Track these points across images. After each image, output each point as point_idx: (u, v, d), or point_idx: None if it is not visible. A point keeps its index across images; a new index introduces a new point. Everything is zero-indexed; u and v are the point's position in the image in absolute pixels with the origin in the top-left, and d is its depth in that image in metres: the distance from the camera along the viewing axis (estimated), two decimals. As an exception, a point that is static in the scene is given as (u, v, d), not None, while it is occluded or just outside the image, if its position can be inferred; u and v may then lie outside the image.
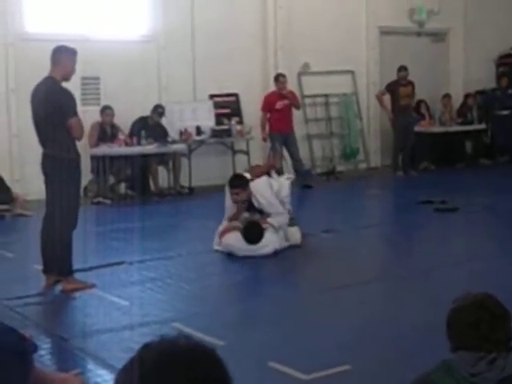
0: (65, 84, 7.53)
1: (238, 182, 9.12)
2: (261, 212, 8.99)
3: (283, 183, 9.39)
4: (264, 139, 14.33)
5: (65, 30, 12.87)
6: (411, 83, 15.88)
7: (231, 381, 1.77)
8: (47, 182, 7.49)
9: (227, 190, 9.15)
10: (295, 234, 9.13)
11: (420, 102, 16.72)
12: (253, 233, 8.74)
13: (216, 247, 9.03)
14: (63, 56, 7.50)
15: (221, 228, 9.07)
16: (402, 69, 15.79)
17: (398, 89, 15.77)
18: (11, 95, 12.79)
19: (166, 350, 1.76)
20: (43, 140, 7.46)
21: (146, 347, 1.78)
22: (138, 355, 1.77)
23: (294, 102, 14.41)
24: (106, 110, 13.37)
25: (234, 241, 8.79)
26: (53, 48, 7.60)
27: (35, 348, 4.76)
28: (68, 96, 7.41)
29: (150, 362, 1.73)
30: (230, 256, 8.80)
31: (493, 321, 3.03)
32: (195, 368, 1.73)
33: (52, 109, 7.26)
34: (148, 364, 1.73)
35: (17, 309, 6.86)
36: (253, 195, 8.97)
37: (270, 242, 8.76)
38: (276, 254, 8.76)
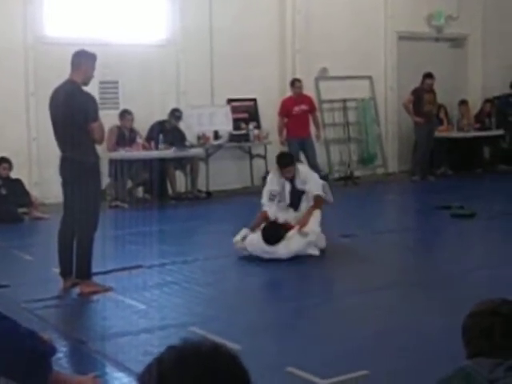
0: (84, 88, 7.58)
1: (290, 160, 9.53)
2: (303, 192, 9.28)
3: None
4: (282, 143, 14.33)
5: (84, 34, 12.90)
6: (433, 91, 15.87)
7: None
8: (66, 186, 7.51)
9: (274, 174, 9.41)
10: (322, 239, 9.10)
11: (439, 107, 16.66)
12: (271, 233, 8.81)
13: (238, 245, 8.97)
14: (84, 60, 7.53)
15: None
16: (429, 76, 15.76)
17: (422, 95, 15.75)
18: (30, 98, 12.84)
19: (189, 351, 1.77)
20: (62, 143, 7.48)
21: (169, 348, 1.79)
22: (160, 355, 1.78)
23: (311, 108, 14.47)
24: (126, 115, 13.35)
25: (257, 241, 8.82)
26: (74, 52, 7.64)
27: (54, 350, 4.83)
28: (91, 100, 7.45)
29: (171, 362, 1.74)
30: (247, 261, 8.81)
31: (508, 327, 2.98)
32: (217, 368, 1.73)
33: (74, 112, 7.28)
34: (168, 364, 1.74)
35: (35, 311, 6.88)
36: (298, 172, 9.32)
37: (292, 245, 8.81)
38: (294, 258, 8.75)
